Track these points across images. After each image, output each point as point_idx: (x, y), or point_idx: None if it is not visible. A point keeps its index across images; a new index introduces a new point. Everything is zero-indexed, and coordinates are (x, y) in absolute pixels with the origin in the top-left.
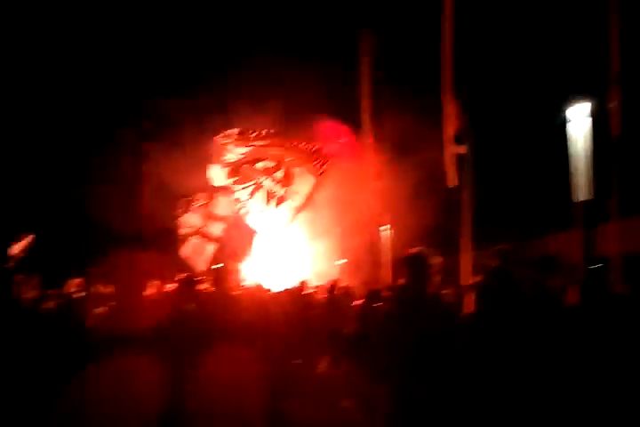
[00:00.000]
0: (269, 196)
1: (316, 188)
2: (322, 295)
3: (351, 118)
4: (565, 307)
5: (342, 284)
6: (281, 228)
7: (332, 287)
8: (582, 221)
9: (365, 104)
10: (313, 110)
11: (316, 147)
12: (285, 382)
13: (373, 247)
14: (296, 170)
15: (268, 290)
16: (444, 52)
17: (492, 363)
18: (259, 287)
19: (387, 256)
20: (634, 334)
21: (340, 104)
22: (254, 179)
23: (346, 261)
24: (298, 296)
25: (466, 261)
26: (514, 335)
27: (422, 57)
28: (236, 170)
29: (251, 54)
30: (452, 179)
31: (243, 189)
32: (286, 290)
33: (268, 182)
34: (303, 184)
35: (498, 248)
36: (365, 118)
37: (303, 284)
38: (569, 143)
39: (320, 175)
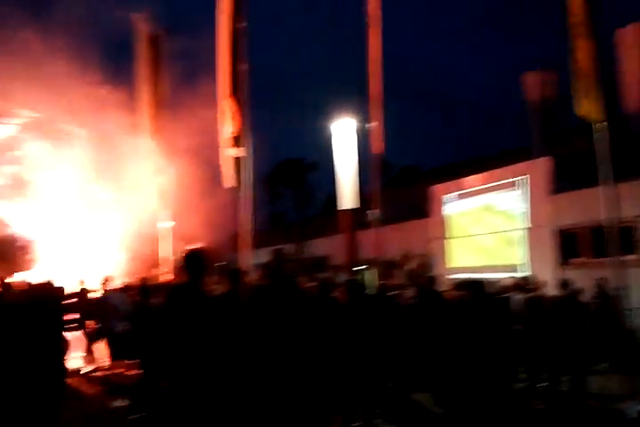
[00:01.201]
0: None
1: None
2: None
3: (130, 111)
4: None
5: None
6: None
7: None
8: (348, 227)
9: (145, 99)
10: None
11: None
12: None
13: (154, 244)
14: None
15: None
16: (222, 52)
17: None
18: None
19: (167, 252)
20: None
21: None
22: None
23: (125, 257)
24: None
25: (245, 259)
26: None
27: (203, 55)
28: None
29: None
30: (229, 180)
31: None
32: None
33: None
34: None
35: (275, 248)
36: (144, 112)
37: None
38: (335, 155)
39: None
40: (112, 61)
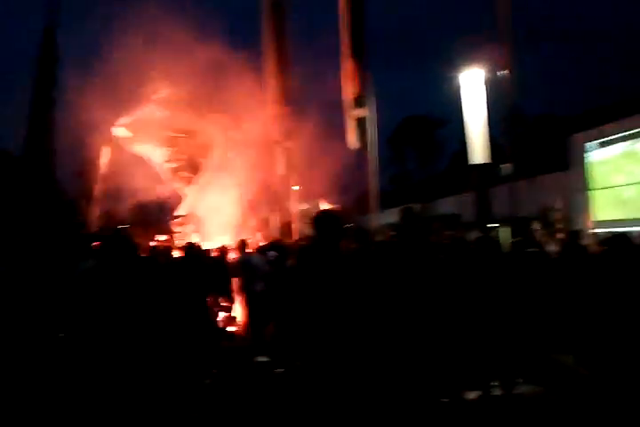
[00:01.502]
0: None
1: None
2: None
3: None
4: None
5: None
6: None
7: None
8: (479, 182)
9: (270, 66)
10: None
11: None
12: None
13: (282, 206)
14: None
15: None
16: (343, 11)
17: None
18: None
19: (295, 215)
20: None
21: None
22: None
23: (256, 221)
24: None
25: (372, 220)
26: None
27: (322, 17)
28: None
29: None
30: (353, 141)
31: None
32: None
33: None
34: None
35: (403, 207)
36: (269, 81)
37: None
38: (464, 108)
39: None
40: (237, 28)
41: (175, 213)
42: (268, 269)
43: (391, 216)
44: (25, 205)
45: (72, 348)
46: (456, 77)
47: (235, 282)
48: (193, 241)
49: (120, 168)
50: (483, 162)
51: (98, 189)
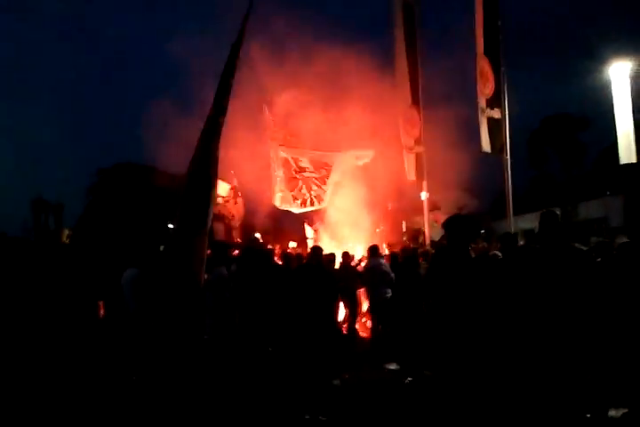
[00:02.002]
0: None
1: None
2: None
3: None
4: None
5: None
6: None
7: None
8: (625, 184)
9: (401, 69)
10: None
11: None
12: None
13: (411, 214)
14: None
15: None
16: (478, 11)
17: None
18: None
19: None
20: None
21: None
22: None
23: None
24: None
25: (509, 223)
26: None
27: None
28: None
29: None
30: (487, 144)
31: None
32: None
33: None
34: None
35: (545, 210)
36: (401, 84)
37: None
38: (614, 104)
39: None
40: (368, 30)
41: (308, 221)
42: (394, 276)
43: (529, 221)
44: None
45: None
46: (601, 72)
47: (363, 288)
48: (319, 246)
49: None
50: (632, 161)
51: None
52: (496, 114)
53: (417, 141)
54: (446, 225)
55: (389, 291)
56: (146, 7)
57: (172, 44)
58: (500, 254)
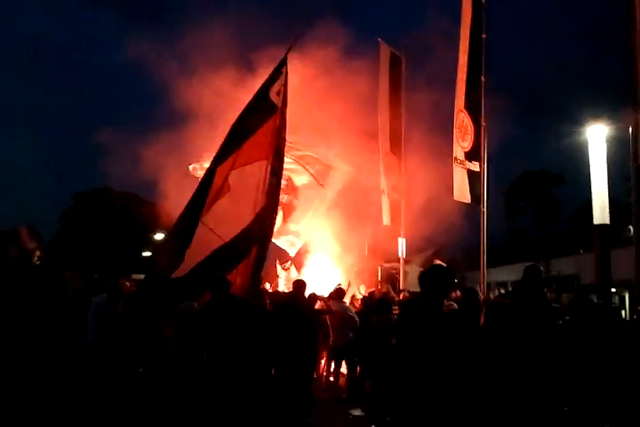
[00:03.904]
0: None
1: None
2: None
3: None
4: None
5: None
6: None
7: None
8: (598, 244)
9: (383, 116)
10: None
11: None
12: None
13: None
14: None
15: None
16: (461, 65)
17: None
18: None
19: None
20: None
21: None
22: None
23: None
24: None
25: (482, 275)
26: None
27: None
28: None
29: None
30: (462, 194)
31: None
32: None
33: None
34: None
35: (529, 264)
36: (381, 130)
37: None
38: (591, 165)
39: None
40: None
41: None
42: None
43: (503, 273)
44: None
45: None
46: (578, 134)
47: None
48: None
49: None
50: (605, 222)
51: None
52: (475, 167)
53: (394, 188)
54: (422, 276)
55: (352, 334)
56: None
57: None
58: (455, 305)
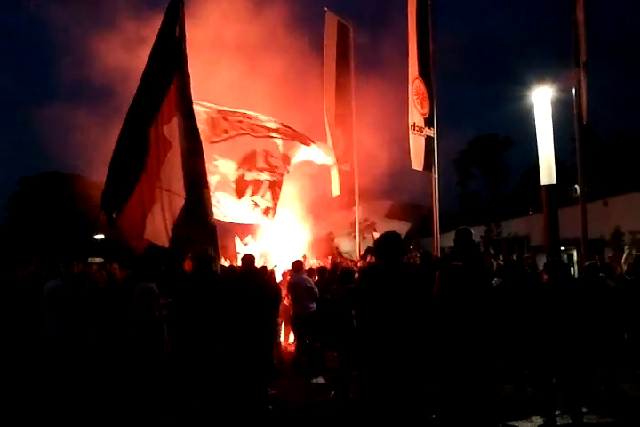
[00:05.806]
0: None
1: None
2: None
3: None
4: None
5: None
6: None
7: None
8: (549, 204)
9: (331, 87)
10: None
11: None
12: None
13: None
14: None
15: None
16: (410, 33)
17: None
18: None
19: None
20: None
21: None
22: None
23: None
24: None
25: (436, 241)
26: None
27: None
28: None
29: None
30: (418, 162)
31: None
32: None
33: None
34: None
35: (460, 228)
36: (330, 101)
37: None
38: (537, 127)
39: None
40: (303, 52)
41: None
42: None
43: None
44: None
45: None
46: (525, 97)
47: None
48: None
49: None
50: (552, 182)
51: None
52: (431, 133)
53: (340, 160)
54: (377, 244)
55: (314, 305)
56: None
57: None
58: None
